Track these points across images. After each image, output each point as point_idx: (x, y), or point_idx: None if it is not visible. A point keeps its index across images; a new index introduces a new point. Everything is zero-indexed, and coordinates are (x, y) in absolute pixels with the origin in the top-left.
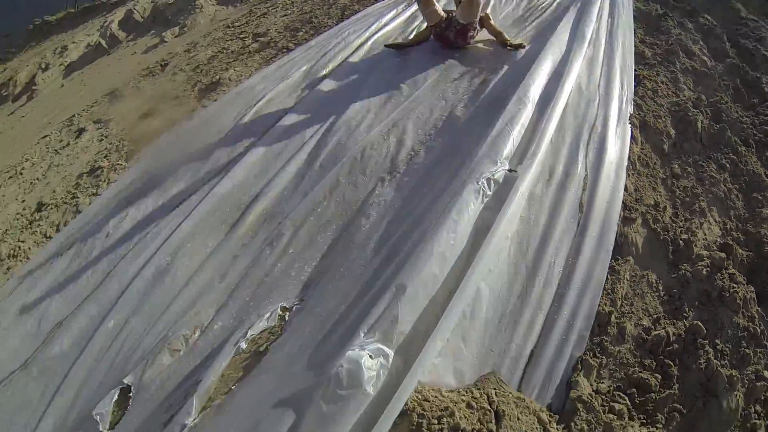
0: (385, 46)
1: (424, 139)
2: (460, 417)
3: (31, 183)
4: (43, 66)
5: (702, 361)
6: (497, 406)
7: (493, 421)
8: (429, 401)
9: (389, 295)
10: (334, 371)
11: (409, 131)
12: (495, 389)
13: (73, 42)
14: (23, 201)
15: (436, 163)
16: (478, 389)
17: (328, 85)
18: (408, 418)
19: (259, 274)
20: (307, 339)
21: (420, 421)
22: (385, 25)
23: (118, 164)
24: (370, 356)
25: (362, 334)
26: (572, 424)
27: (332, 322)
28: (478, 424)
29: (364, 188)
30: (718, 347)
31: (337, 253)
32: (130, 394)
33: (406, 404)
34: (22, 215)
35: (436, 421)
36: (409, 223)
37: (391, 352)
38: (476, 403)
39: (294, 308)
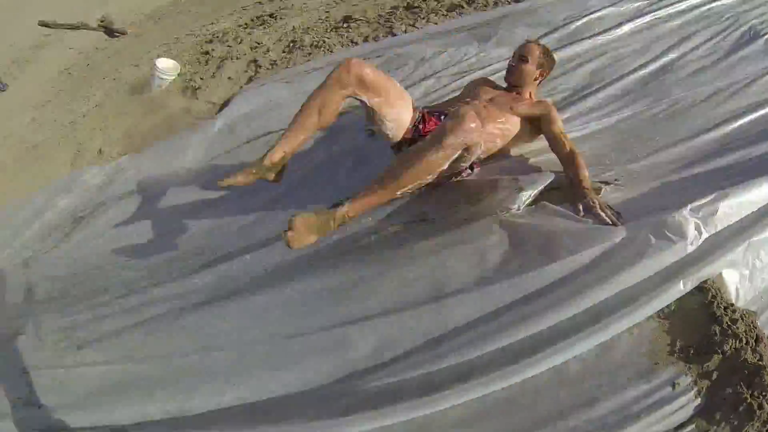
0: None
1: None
2: (736, 318)
3: (336, 3)
4: None
5: None
6: (756, 333)
7: (754, 340)
8: (720, 291)
9: (714, 194)
10: (666, 217)
11: None
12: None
13: None
14: (327, 12)
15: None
16: (749, 314)
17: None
18: (705, 292)
19: None
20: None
21: (712, 300)
22: None
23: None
24: (694, 226)
25: (688, 208)
26: None
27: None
28: (743, 334)
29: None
30: None
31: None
32: None
33: (706, 281)
34: (325, 21)
35: (722, 308)
36: None
37: (705, 234)
38: (745, 320)
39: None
